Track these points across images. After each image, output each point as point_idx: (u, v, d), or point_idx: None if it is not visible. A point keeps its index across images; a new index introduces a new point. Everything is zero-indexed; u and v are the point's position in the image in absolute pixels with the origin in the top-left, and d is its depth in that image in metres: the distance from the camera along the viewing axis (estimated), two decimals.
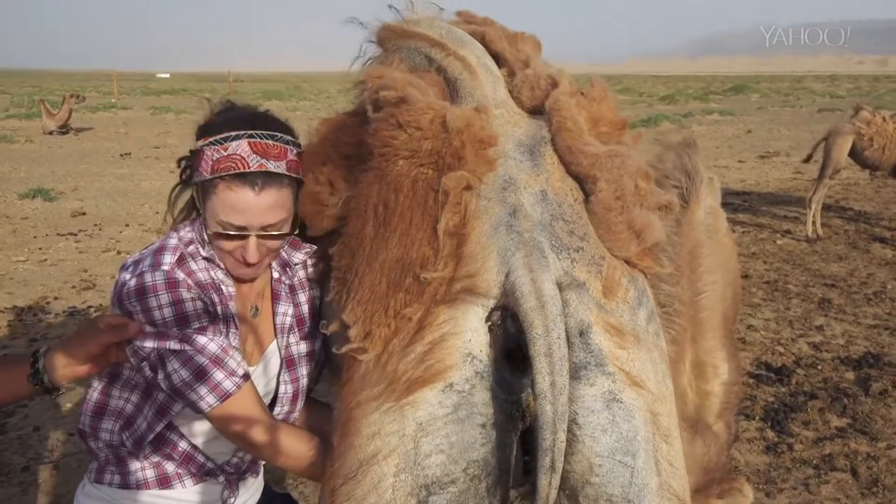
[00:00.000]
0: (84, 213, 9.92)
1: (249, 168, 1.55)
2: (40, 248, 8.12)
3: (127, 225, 9.34)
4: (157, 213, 10.01)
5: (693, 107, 31.36)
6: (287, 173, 1.61)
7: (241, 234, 1.60)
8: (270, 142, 1.59)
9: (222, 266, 1.66)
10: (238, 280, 1.70)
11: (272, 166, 1.58)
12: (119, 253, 8.00)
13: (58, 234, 8.75)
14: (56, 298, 6.48)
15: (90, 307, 6.25)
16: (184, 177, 1.72)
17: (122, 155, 15.93)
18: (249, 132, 1.59)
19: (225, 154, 1.56)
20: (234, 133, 1.58)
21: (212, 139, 1.58)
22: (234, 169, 1.55)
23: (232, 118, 1.63)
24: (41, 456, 3.95)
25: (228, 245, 1.62)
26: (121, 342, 1.55)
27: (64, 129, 19.33)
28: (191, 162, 1.66)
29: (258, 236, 1.61)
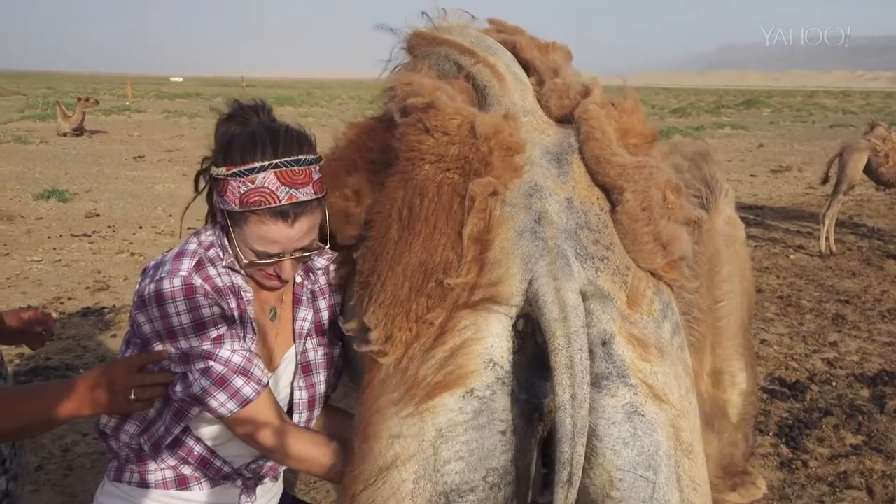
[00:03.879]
0: (98, 215, 9.96)
1: (280, 202, 1.54)
2: (54, 249, 8.15)
3: (140, 227, 9.38)
4: (171, 215, 10.05)
5: (705, 120, 31.29)
6: (315, 197, 1.59)
7: (277, 260, 1.62)
8: (296, 168, 1.56)
9: (242, 272, 1.66)
10: (262, 287, 1.70)
11: (301, 194, 1.56)
12: (132, 255, 8.02)
13: (72, 235, 8.79)
14: (70, 299, 6.50)
15: (104, 308, 6.27)
16: (200, 191, 1.71)
17: (135, 157, 16.02)
18: (274, 162, 1.55)
19: (252, 187, 1.53)
20: (258, 164, 1.54)
21: (236, 170, 1.54)
22: (265, 203, 1.54)
23: (252, 136, 1.58)
24: (54, 455, 3.95)
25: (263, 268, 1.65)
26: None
27: (78, 131, 19.54)
28: (214, 185, 1.63)
29: (292, 258, 1.63)
